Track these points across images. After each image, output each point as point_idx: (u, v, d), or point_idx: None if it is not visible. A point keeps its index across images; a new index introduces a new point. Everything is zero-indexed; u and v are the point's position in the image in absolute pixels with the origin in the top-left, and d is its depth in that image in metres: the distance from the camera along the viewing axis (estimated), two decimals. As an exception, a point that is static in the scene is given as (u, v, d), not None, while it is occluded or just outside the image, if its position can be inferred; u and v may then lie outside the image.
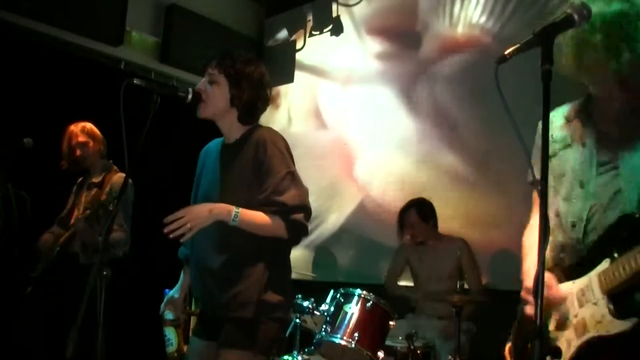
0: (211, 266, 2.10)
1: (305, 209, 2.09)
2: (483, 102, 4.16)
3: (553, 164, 1.71)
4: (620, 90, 1.61)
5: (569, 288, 1.60)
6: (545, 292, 1.43)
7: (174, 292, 2.35)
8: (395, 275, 4.15)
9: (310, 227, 5.53)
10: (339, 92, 5.40)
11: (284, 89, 5.79)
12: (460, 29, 4.56)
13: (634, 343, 1.43)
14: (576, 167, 1.66)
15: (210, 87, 2.14)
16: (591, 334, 1.49)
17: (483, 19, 4.42)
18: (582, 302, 1.54)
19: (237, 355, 2.02)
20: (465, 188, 4.34)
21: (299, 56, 5.78)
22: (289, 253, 2.26)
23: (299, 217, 2.06)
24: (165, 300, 2.36)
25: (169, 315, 2.35)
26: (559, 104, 1.78)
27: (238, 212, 2.00)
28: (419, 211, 3.92)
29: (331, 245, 5.15)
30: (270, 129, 2.24)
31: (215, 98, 2.13)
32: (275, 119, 5.73)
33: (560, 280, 1.63)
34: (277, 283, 2.13)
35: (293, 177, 2.10)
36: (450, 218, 4.20)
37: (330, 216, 5.18)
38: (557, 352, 1.57)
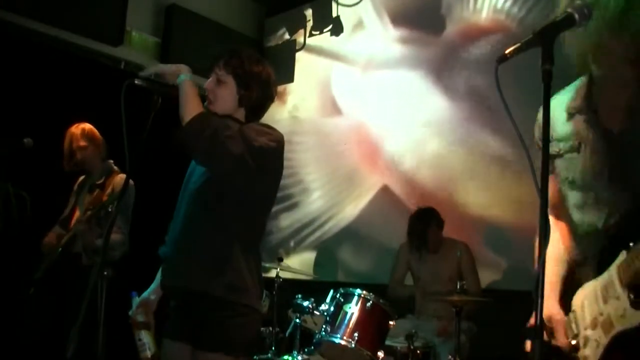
0: None
1: (222, 147, 1.91)
2: (516, 86, 4.07)
3: (558, 165, 1.65)
4: (632, 71, 1.49)
5: (594, 286, 1.55)
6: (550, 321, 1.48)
7: (149, 294, 2.28)
8: (400, 282, 4.15)
9: (328, 215, 5.14)
10: (357, 78, 5.33)
11: (298, 77, 5.75)
12: (484, 14, 4.53)
13: None
14: (586, 175, 1.58)
15: (218, 87, 2.12)
16: (616, 329, 1.45)
17: (508, 4, 4.40)
18: (606, 298, 1.49)
19: None
20: (502, 169, 4.24)
21: (313, 42, 5.71)
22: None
23: (210, 136, 1.90)
24: (137, 302, 2.27)
25: (140, 317, 2.29)
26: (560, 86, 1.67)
27: (188, 77, 2.00)
28: (438, 225, 3.93)
29: (348, 237, 5.09)
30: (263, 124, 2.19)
31: (224, 98, 2.12)
32: (283, 110, 5.72)
33: (587, 279, 1.59)
34: None
35: (244, 134, 1.97)
36: (487, 201, 4.16)
37: (348, 206, 5.10)
38: (557, 351, 1.57)
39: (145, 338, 2.26)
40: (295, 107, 5.74)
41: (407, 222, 4.04)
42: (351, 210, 5.09)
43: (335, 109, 5.45)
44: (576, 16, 1.35)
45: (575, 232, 1.63)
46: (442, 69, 4.74)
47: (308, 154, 5.36)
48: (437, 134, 4.66)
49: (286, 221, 5.50)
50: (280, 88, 5.61)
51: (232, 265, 2.00)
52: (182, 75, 2.00)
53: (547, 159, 1.28)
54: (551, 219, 1.70)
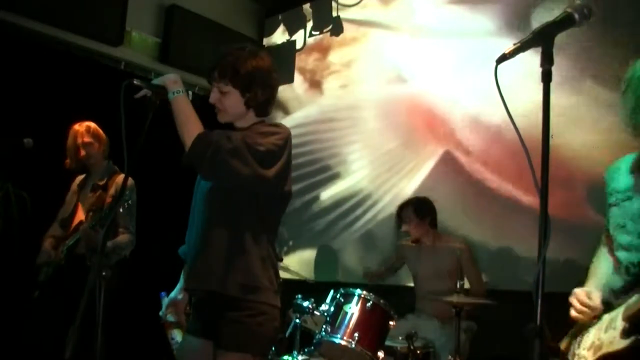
0: None
1: (222, 165, 1.94)
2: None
3: (614, 213, 1.86)
4: None
5: (605, 318, 1.74)
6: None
7: (176, 294, 2.31)
8: (387, 263, 4.31)
9: (379, 192, 5.11)
10: (413, 47, 5.05)
11: (347, 49, 5.55)
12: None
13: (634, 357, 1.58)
14: (636, 219, 1.77)
15: (223, 99, 2.11)
16: (602, 351, 1.65)
17: None
18: (607, 329, 1.68)
19: None
20: (605, 112, 3.78)
21: (366, 14, 5.46)
22: None
23: (213, 155, 1.92)
24: (166, 302, 2.31)
25: (171, 317, 2.32)
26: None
27: (181, 91, 2.01)
28: (415, 209, 3.95)
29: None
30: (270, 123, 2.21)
31: (231, 107, 2.12)
32: (331, 83, 5.55)
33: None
34: None
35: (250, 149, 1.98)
36: (590, 151, 3.86)
37: (403, 180, 4.89)
38: (558, 351, 1.62)
39: (178, 337, 2.30)
40: (346, 80, 5.48)
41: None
42: (408, 181, 4.83)
43: (397, 79, 5.13)
44: (576, 16, 1.36)
45: (618, 268, 1.83)
46: (506, 35, 4.40)
47: (362, 127, 5.20)
48: (525, 87, 4.32)
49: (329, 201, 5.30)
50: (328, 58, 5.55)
51: (245, 265, 2.02)
52: (173, 91, 1.99)
53: (547, 158, 1.29)
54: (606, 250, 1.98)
